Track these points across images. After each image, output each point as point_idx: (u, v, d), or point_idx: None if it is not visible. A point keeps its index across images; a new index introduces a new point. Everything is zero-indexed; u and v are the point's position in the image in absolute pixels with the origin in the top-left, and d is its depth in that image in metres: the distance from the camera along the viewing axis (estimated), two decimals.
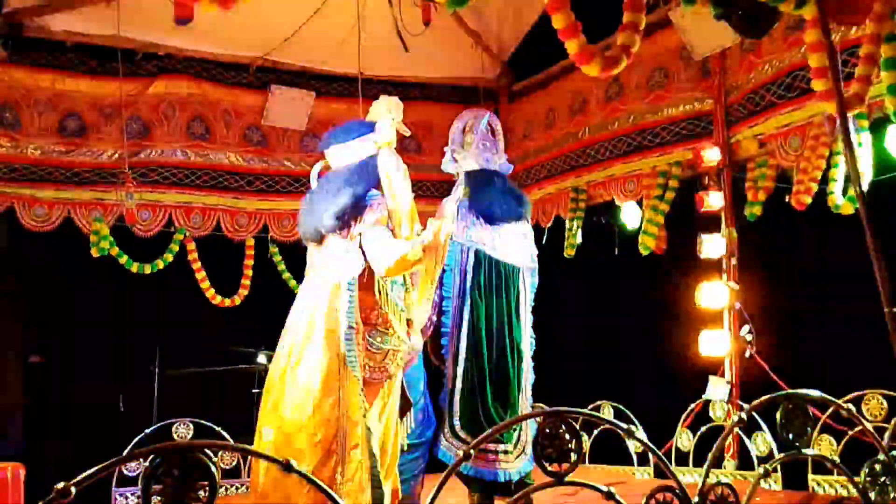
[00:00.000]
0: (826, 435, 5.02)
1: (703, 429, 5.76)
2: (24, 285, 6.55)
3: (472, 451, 2.18)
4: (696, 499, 2.38)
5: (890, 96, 4.01)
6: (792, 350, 5.53)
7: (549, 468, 2.26)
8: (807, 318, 5.55)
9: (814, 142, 5.12)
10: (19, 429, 6.43)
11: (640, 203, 6.42)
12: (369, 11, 5.74)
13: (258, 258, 7.15)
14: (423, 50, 6.49)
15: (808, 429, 2.71)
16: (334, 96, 7.26)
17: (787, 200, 5.25)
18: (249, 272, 7.10)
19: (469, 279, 4.54)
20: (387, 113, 3.93)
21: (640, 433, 5.13)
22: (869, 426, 3.09)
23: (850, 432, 4.83)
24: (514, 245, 4.67)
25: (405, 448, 4.05)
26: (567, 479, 2.24)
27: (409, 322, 3.86)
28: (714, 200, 5.84)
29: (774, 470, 5.09)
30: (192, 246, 6.91)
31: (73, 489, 1.70)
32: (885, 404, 4.95)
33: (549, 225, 7.14)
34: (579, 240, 6.88)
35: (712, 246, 5.86)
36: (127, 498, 5.77)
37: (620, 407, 6.21)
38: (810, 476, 5.06)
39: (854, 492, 2.77)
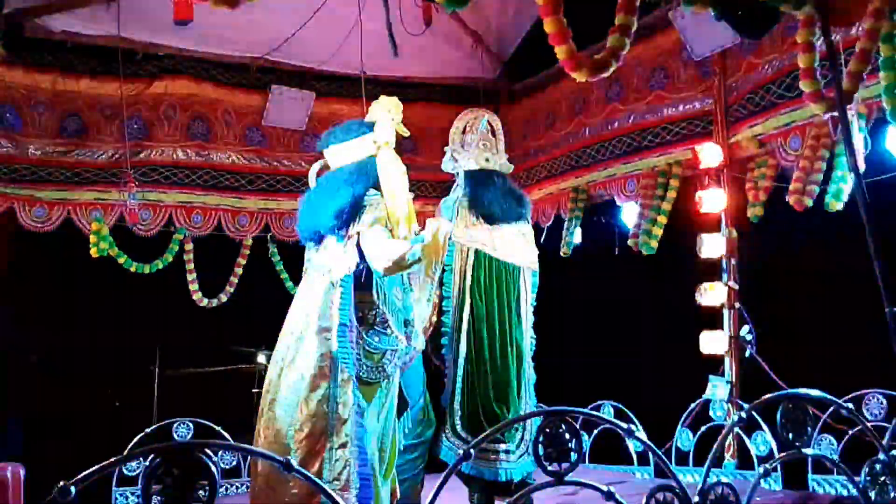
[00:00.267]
0: (826, 435, 5.02)
1: (703, 429, 5.76)
2: (24, 285, 6.54)
3: (472, 451, 2.18)
4: (696, 499, 2.38)
5: (888, 96, 4.01)
6: (792, 350, 5.53)
7: (549, 468, 2.26)
8: (806, 317, 5.55)
9: (814, 142, 5.12)
10: (19, 429, 6.43)
11: (640, 203, 6.41)
12: (369, 11, 5.74)
13: (259, 258, 7.16)
14: (423, 50, 6.49)
15: (809, 429, 2.71)
16: (334, 96, 7.26)
17: (787, 200, 5.25)
18: (239, 271, 7.10)
19: (469, 279, 4.54)
20: (386, 113, 3.92)
21: (640, 433, 5.13)
22: (869, 426, 3.09)
23: (850, 432, 4.83)
24: (514, 245, 4.66)
25: (402, 448, 4.05)
26: (567, 479, 2.24)
27: (406, 322, 3.87)
28: (714, 200, 5.84)
29: (774, 470, 5.09)
30: (189, 246, 6.92)
31: (73, 489, 1.70)
32: (886, 404, 4.95)
33: (548, 225, 7.14)
34: (577, 239, 6.88)
35: (712, 246, 5.86)
36: (127, 498, 5.78)
37: (620, 407, 6.21)
38: (810, 476, 5.06)
39: (854, 491, 2.77)
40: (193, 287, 6.94)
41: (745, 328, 5.71)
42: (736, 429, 5.17)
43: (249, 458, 4.99)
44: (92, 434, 6.08)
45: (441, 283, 4.47)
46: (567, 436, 2.26)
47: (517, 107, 7.70)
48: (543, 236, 6.78)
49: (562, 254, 6.90)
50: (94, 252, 6.47)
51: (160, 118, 6.81)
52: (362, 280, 3.67)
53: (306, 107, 7.08)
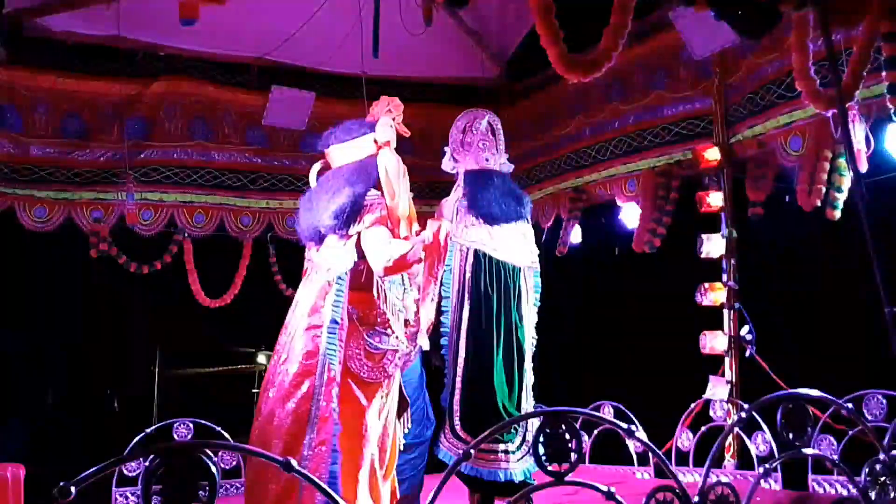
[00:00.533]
0: (826, 435, 5.02)
1: (704, 429, 5.76)
2: (24, 285, 6.55)
3: (471, 451, 2.18)
4: (696, 499, 2.38)
5: (893, 95, 4.01)
6: (792, 350, 5.53)
7: (549, 468, 2.26)
8: (807, 317, 5.55)
9: (816, 142, 5.11)
10: (19, 429, 6.43)
11: (639, 203, 6.42)
12: (369, 11, 5.74)
13: (258, 259, 7.16)
14: (424, 50, 6.49)
15: (809, 429, 2.71)
16: (335, 96, 7.26)
17: (787, 200, 5.25)
18: (244, 272, 7.10)
19: (469, 279, 4.53)
20: (387, 113, 3.93)
21: (640, 433, 5.13)
22: (869, 426, 3.09)
23: (851, 432, 4.83)
24: (515, 245, 4.66)
25: (402, 448, 4.05)
26: (567, 479, 2.24)
27: (406, 322, 3.86)
28: (714, 200, 5.85)
29: (774, 470, 5.09)
30: (188, 246, 6.91)
31: (73, 489, 1.70)
32: (886, 404, 4.95)
33: (549, 225, 7.14)
34: (576, 239, 6.87)
35: (712, 246, 5.86)
36: (127, 498, 5.77)
37: (620, 407, 6.21)
38: (810, 476, 5.06)
39: (854, 491, 2.77)
40: (196, 287, 6.94)
41: (745, 328, 5.71)
42: (736, 429, 5.17)
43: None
44: (92, 434, 6.08)
45: (441, 283, 4.47)
46: (567, 436, 2.26)
47: (517, 107, 7.70)
48: (543, 236, 6.78)
49: (557, 253, 6.91)
50: (93, 252, 6.47)
51: (160, 118, 6.81)
52: (363, 280, 3.67)
53: (306, 107, 7.08)
